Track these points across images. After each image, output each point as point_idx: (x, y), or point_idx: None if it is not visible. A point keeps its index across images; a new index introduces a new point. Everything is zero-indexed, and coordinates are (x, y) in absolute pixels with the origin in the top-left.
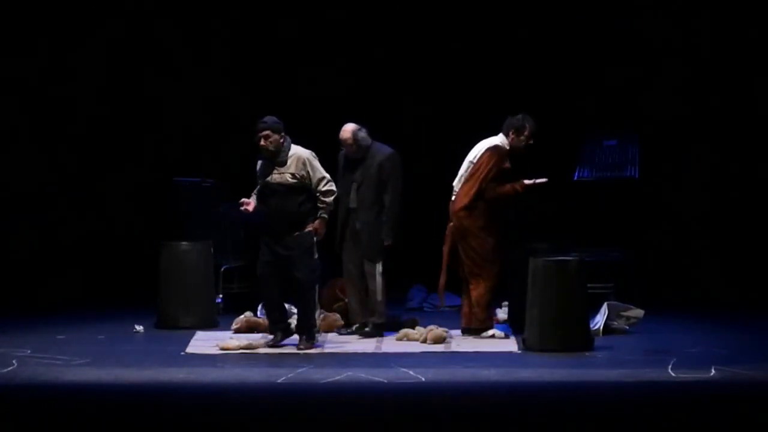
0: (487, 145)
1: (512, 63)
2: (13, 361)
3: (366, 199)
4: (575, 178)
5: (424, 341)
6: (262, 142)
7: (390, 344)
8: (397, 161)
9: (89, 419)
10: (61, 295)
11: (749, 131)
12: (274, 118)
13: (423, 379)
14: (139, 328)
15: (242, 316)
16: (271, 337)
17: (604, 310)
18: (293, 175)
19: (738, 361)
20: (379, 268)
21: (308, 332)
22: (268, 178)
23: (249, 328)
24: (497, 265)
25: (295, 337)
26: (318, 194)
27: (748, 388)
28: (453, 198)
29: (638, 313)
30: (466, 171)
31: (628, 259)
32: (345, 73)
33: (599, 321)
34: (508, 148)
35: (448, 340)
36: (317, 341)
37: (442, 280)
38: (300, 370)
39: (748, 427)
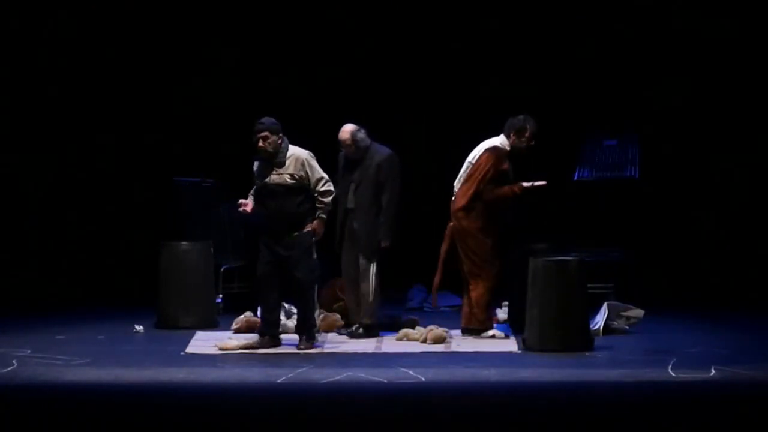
0: (487, 146)
1: (512, 63)
2: (13, 361)
3: (364, 199)
4: (575, 178)
5: (424, 341)
6: (261, 143)
7: (390, 344)
8: (395, 162)
9: (89, 419)
10: (61, 295)
11: (749, 131)
12: (272, 119)
13: (423, 379)
14: (139, 328)
15: (242, 316)
16: (257, 337)
17: (604, 310)
18: (292, 176)
19: (738, 361)
20: (373, 268)
21: (308, 332)
22: (267, 179)
23: (249, 328)
24: (496, 266)
25: (295, 337)
26: (316, 194)
27: (748, 388)
28: (453, 198)
29: (638, 313)
30: (465, 171)
31: (628, 259)
32: (345, 73)
33: (599, 321)
34: (508, 149)
35: (448, 340)
36: (317, 341)
37: (437, 279)
38: (300, 370)
39: (748, 427)
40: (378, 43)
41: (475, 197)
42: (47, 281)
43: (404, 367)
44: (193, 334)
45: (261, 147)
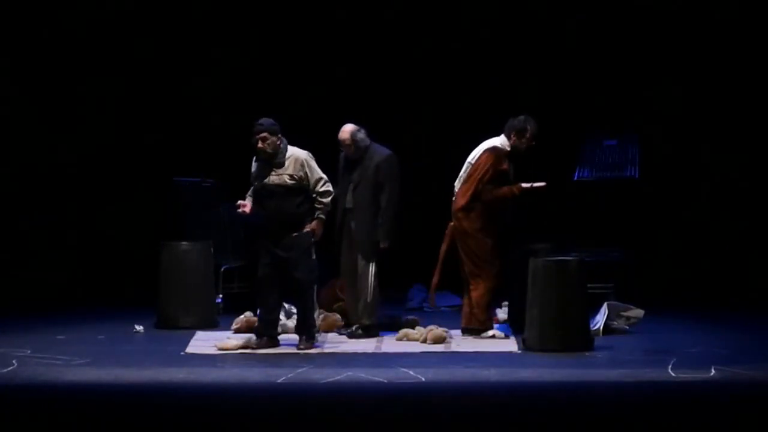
0: (487, 146)
1: (512, 63)
2: (13, 361)
3: (362, 200)
4: (575, 178)
5: (424, 341)
6: (260, 144)
7: (390, 344)
8: (394, 163)
9: (89, 419)
10: (61, 295)
11: (749, 131)
12: (271, 120)
13: (423, 379)
14: (139, 328)
15: (242, 316)
16: (254, 337)
17: (604, 310)
18: (291, 177)
19: (738, 361)
20: (372, 268)
21: (308, 332)
22: (266, 180)
23: (249, 328)
24: (496, 266)
25: (295, 337)
26: (315, 195)
27: (748, 388)
28: (453, 198)
29: (638, 313)
30: (465, 172)
31: (628, 259)
32: (345, 73)
33: (599, 321)
34: (508, 149)
35: (448, 340)
36: (317, 341)
37: (435, 279)
38: (300, 370)
39: (748, 427)
40: (378, 43)
41: (474, 197)
42: (47, 281)
43: (404, 367)
44: (193, 334)
45: (260, 148)
